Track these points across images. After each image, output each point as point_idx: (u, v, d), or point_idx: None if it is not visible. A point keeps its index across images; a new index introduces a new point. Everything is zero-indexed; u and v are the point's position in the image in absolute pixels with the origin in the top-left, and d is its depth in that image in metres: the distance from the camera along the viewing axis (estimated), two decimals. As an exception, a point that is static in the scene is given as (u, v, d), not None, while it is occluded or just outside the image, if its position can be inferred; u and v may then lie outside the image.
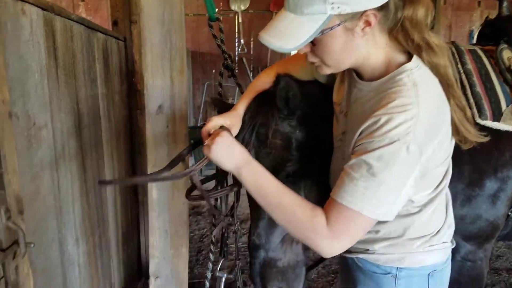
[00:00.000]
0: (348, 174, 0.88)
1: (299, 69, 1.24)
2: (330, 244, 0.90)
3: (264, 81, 1.22)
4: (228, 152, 0.96)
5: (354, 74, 1.04)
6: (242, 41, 6.07)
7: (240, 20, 5.88)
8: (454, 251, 1.47)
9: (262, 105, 1.15)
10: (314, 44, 0.93)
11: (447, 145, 0.98)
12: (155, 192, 1.67)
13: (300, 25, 0.87)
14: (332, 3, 0.83)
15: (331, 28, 0.88)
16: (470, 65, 1.39)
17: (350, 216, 0.87)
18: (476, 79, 1.37)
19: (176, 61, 1.47)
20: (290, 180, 1.17)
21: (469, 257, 1.48)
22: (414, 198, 1.00)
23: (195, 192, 1.11)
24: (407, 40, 0.93)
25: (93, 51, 1.58)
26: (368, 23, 0.88)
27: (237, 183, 1.15)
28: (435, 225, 1.07)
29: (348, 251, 1.09)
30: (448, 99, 0.95)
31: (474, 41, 1.64)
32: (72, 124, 1.38)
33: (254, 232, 1.20)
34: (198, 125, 5.63)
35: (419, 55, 0.94)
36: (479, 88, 1.36)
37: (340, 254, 1.16)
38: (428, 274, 1.06)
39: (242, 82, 1.63)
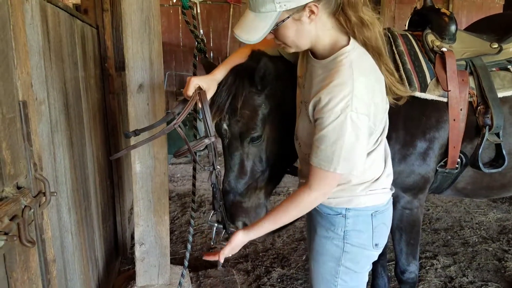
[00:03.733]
0: (317, 147, 1.14)
1: (270, 49, 1.48)
2: (319, 199, 1.23)
3: (240, 55, 1.45)
4: (238, 247, 1.29)
5: (309, 53, 1.29)
6: (201, 31, 6.20)
7: (199, 11, 6.01)
8: (395, 202, 1.79)
9: (238, 79, 1.38)
10: (273, 33, 1.18)
11: (384, 106, 1.26)
12: (138, 166, 1.84)
13: (259, 21, 1.13)
14: (279, 2, 1.09)
15: (283, 21, 1.13)
16: (402, 47, 1.70)
17: (327, 175, 1.16)
18: (407, 58, 1.68)
19: (155, 44, 1.64)
20: (254, 144, 1.42)
21: (407, 206, 1.80)
22: None
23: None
24: (346, 21, 1.16)
25: (74, 37, 1.71)
26: (312, 12, 1.13)
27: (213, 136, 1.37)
28: (375, 173, 1.32)
29: None
30: (380, 67, 1.22)
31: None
32: (62, 102, 1.52)
33: (226, 180, 1.49)
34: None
35: (354, 35, 1.17)
36: (409, 66, 1.67)
37: None
38: (371, 214, 1.31)
39: (202, 72, 1.79)
